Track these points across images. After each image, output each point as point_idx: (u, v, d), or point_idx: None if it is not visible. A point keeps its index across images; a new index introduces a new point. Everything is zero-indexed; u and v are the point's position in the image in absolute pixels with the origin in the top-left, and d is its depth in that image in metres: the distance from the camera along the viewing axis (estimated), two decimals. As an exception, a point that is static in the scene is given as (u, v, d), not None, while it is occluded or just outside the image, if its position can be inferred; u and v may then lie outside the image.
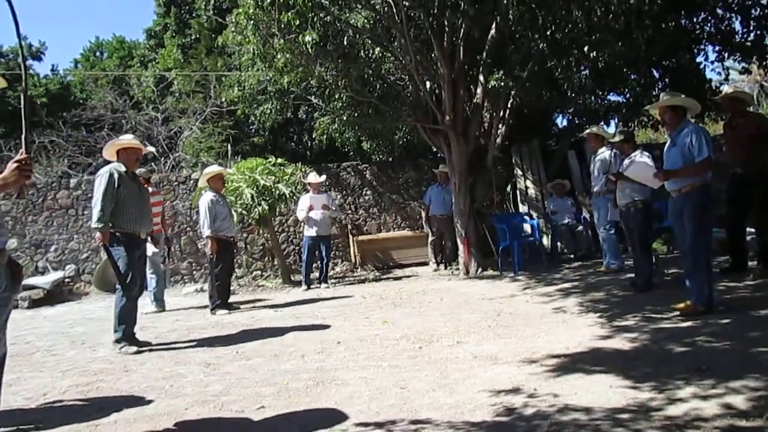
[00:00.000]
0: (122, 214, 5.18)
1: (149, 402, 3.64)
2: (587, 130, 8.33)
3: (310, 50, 7.84)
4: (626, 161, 6.43)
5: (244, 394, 3.66)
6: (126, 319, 5.26)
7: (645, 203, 6.23)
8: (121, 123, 14.60)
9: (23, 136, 2.55)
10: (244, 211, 8.98)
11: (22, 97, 2.65)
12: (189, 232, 10.76)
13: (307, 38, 7.62)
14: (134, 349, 5.18)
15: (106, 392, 3.94)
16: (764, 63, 9.41)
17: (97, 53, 23.40)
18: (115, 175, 5.18)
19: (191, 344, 5.36)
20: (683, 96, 5.06)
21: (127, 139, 5.57)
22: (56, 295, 9.66)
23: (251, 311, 7.26)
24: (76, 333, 6.47)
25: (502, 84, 8.45)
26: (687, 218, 4.80)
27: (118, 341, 5.22)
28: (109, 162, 5.52)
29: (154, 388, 3.94)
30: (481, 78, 9.00)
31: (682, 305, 4.94)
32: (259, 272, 10.90)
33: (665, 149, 5.09)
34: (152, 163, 13.25)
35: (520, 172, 11.29)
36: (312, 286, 8.98)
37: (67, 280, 10.30)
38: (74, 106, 16.20)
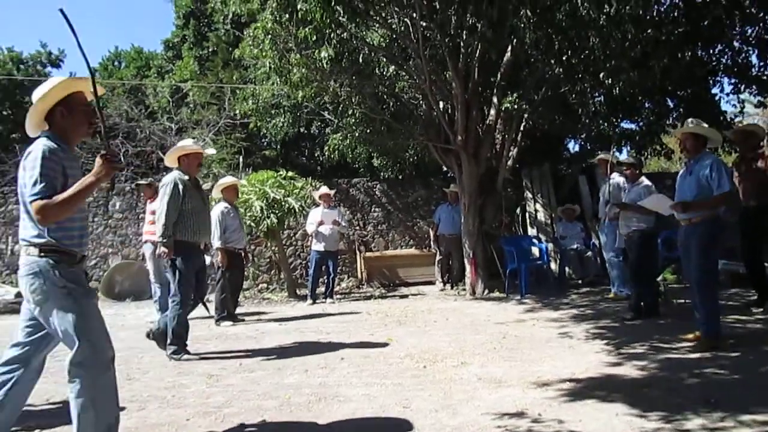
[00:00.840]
0: (184, 223, 5.07)
1: (151, 411, 3.62)
2: (598, 156, 8.33)
3: (325, 66, 7.93)
4: (633, 189, 6.44)
5: (245, 407, 3.64)
6: (182, 332, 5.11)
7: (650, 232, 6.21)
8: (136, 132, 14.72)
9: (102, 131, 2.79)
10: (252, 223, 9.02)
11: (95, 99, 2.78)
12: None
13: (323, 54, 7.71)
14: (186, 356, 5.11)
15: (108, 399, 3.92)
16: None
17: (115, 62, 23.67)
18: (180, 186, 5.07)
19: (194, 355, 5.33)
20: (708, 126, 4.99)
21: (189, 145, 5.42)
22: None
23: (256, 324, 7.24)
24: (81, 338, 6.44)
25: (516, 107, 8.48)
26: (694, 249, 4.75)
27: (175, 353, 5.08)
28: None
29: (156, 398, 3.92)
30: (495, 100, 9.04)
31: (691, 336, 4.89)
32: (265, 285, 10.89)
33: (680, 176, 5.04)
34: (164, 172, 13.31)
35: (530, 195, 11.29)
36: (317, 301, 8.97)
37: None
38: (90, 114, 16.34)
